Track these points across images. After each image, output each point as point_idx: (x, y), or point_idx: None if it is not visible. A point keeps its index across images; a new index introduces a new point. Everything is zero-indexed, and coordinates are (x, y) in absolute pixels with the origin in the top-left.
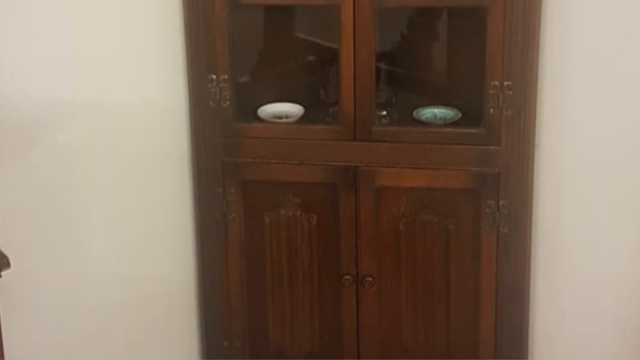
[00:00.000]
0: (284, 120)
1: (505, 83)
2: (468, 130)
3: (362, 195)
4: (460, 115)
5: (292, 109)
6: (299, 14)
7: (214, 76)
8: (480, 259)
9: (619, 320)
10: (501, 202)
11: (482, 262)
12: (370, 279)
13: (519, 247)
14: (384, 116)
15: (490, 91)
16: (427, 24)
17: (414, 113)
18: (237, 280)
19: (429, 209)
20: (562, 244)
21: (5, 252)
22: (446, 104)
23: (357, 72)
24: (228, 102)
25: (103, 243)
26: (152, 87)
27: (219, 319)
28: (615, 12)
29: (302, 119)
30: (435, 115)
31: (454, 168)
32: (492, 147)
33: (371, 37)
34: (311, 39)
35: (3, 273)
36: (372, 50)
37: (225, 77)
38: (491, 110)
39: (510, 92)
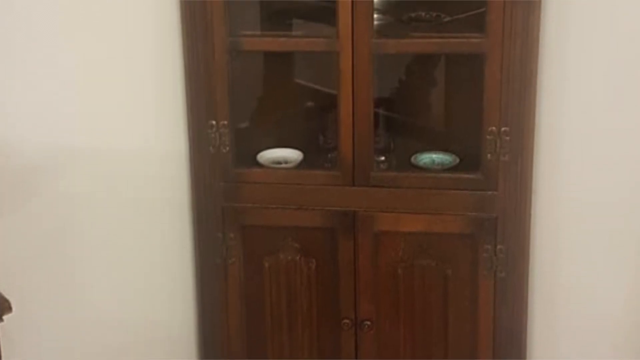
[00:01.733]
0: (283, 165)
1: (503, 129)
2: (466, 176)
3: (360, 240)
4: (458, 160)
5: (291, 155)
6: (298, 61)
7: (214, 122)
8: (478, 303)
9: None
10: (498, 246)
11: (479, 306)
12: (368, 322)
13: (516, 292)
14: (382, 161)
15: (488, 137)
16: (425, 70)
17: (412, 158)
18: (237, 324)
19: (427, 253)
20: (559, 288)
21: (7, 296)
22: (444, 149)
23: (355, 118)
24: (228, 148)
25: (104, 288)
26: (153, 133)
27: None
28: (612, 60)
29: (301, 165)
30: (433, 161)
31: (452, 213)
32: (490, 193)
33: (370, 83)
34: (310, 85)
35: (5, 317)
36: (370, 96)
37: (225, 123)
38: (489, 155)
39: (508, 138)
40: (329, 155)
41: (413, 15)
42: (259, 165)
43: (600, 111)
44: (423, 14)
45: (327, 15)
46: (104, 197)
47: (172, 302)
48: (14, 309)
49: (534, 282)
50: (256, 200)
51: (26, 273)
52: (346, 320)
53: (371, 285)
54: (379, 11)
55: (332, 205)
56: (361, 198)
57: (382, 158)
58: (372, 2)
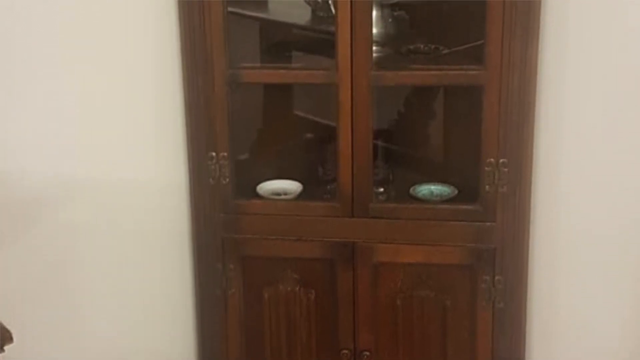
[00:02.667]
0: (282, 197)
1: (501, 160)
2: (464, 207)
3: (359, 271)
4: (456, 192)
5: (290, 186)
6: (298, 93)
7: (214, 154)
8: (477, 334)
9: None
10: (497, 277)
11: (478, 337)
12: (367, 353)
13: (514, 322)
14: (381, 193)
15: (486, 168)
16: (424, 102)
17: (411, 190)
18: (237, 355)
19: (426, 284)
20: (557, 318)
21: (8, 326)
22: (443, 181)
23: (354, 149)
24: (227, 179)
25: (104, 318)
26: (153, 164)
27: None
28: (609, 92)
29: (300, 196)
30: (432, 192)
31: (451, 244)
32: (488, 224)
33: (369, 115)
34: (309, 117)
35: (6, 348)
36: (369, 128)
37: (225, 154)
38: (487, 187)
39: (506, 169)
40: (328, 186)
41: (412, 47)
42: (258, 196)
43: (598, 143)
44: (422, 46)
45: (326, 47)
46: (104, 228)
47: (172, 332)
48: (15, 339)
49: (532, 313)
50: (256, 232)
51: (27, 303)
52: (345, 351)
53: (370, 316)
54: (378, 43)
55: (332, 237)
56: (360, 229)
57: (381, 189)
58: (371, 34)
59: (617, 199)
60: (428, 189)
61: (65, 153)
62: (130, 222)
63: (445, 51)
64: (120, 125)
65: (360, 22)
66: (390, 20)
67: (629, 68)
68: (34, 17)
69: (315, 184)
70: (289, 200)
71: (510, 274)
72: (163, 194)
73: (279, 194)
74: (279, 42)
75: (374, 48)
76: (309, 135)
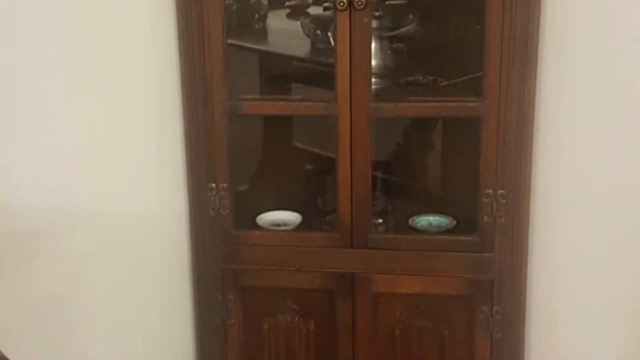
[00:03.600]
0: (282, 228)
1: (499, 191)
2: (462, 238)
3: (358, 302)
4: (454, 223)
5: (290, 217)
6: (297, 124)
7: (214, 185)
8: None
9: None
10: (495, 308)
11: None
12: None
13: (512, 353)
14: (380, 224)
15: (484, 199)
16: (423, 133)
17: (410, 221)
18: None
19: (425, 314)
20: (554, 349)
21: (9, 357)
22: (441, 212)
23: (353, 181)
24: (227, 210)
25: (105, 349)
26: (153, 195)
27: None
28: (607, 123)
29: (300, 227)
30: (431, 223)
31: (449, 275)
32: (486, 254)
33: (368, 146)
34: (309, 149)
35: None
36: (368, 159)
37: (225, 185)
38: (485, 218)
39: (504, 201)
40: (328, 217)
41: (410, 79)
42: (258, 227)
43: (595, 174)
44: (420, 78)
45: (325, 79)
46: (105, 259)
47: None
48: None
49: (530, 343)
50: (255, 262)
51: (28, 334)
52: None
53: (369, 346)
54: (377, 75)
55: (331, 267)
56: (359, 260)
57: (380, 220)
58: (370, 66)
59: (615, 231)
60: (427, 220)
61: (65, 184)
62: (130, 253)
63: (444, 83)
64: (120, 157)
65: (359, 54)
66: (389, 52)
67: (626, 100)
68: (35, 50)
69: (315, 215)
70: (288, 231)
71: (508, 304)
72: (163, 225)
73: (278, 225)
74: (278, 74)
75: (373, 80)
76: (308, 166)
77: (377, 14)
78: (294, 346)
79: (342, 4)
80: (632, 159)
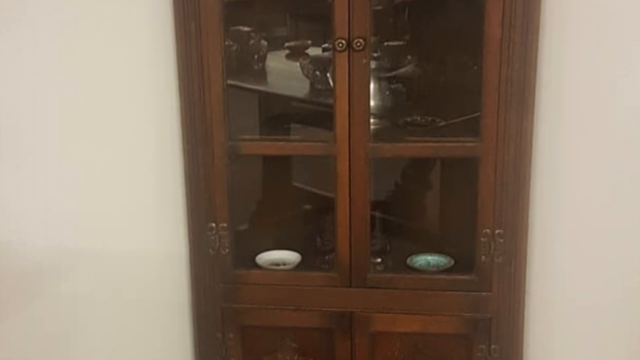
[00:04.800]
0: (281, 267)
1: (497, 231)
2: (460, 277)
3: (357, 340)
4: (452, 262)
5: (289, 257)
6: (296, 164)
7: (214, 224)
8: None
9: None
10: (493, 346)
11: None
12: None
13: None
14: (378, 263)
15: (482, 239)
16: (421, 174)
17: (408, 260)
18: None
19: (423, 353)
20: None
21: None
22: (439, 251)
23: (352, 220)
24: (227, 250)
25: None
26: (153, 235)
27: None
28: (604, 163)
29: (299, 266)
30: (429, 263)
31: (447, 314)
32: (484, 294)
33: (366, 186)
34: (308, 189)
35: None
36: (367, 199)
37: (225, 225)
38: (483, 257)
39: (502, 240)
40: (327, 257)
41: (409, 119)
42: (257, 266)
43: (592, 214)
44: (418, 118)
45: (324, 119)
46: (105, 299)
47: None
48: None
49: None
50: (255, 301)
51: None
52: None
53: None
54: (375, 116)
55: (330, 306)
56: (358, 299)
57: (379, 260)
58: (369, 107)
59: (612, 271)
60: (425, 259)
61: (66, 224)
62: (131, 292)
63: (442, 123)
64: (121, 197)
65: (358, 95)
66: (387, 92)
67: (623, 140)
68: (37, 93)
69: (314, 254)
70: (287, 270)
71: (505, 343)
72: (163, 264)
73: (277, 264)
74: (277, 115)
75: (372, 120)
76: (307, 206)
77: (375, 54)
78: None
79: (341, 45)
80: (629, 198)
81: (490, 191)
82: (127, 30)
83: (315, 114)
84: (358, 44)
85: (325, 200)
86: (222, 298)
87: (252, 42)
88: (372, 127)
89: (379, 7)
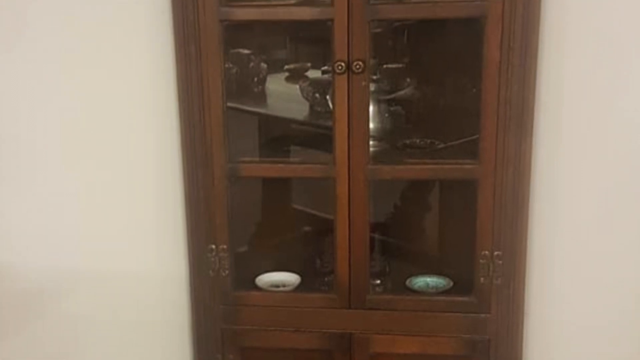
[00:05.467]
0: (281, 288)
1: (495, 253)
2: (459, 299)
3: None
4: (451, 284)
5: (289, 278)
6: (296, 186)
7: (214, 246)
8: None
9: None
10: None
11: None
12: None
13: None
14: (377, 285)
15: (481, 261)
16: (420, 195)
17: (407, 282)
18: None
19: None
20: None
21: None
22: (438, 273)
23: (352, 242)
24: (227, 272)
25: None
26: (154, 257)
27: None
28: (601, 186)
29: (298, 288)
30: (428, 284)
31: (446, 335)
32: (483, 315)
33: (366, 208)
34: (307, 210)
35: None
36: (366, 221)
37: (225, 247)
38: (482, 279)
39: (500, 262)
40: (326, 278)
41: (408, 142)
42: (257, 288)
43: (591, 236)
44: (418, 140)
45: (324, 142)
46: (106, 319)
47: None
48: None
49: None
50: (255, 323)
51: None
52: None
53: None
54: (375, 138)
55: (329, 328)
56: (357, 320)
57: (378, 281)
58: (368, 129)
59: (610, 292)
60: (424, 281)
61: (67, 245)
62: (131, 313)
63: (441, 146)
64: (121, 219)
65: (358, 117)
66: (386, 115)
67: (621, 163)
68: (36, 114)
69: (313, 276)
70: (287, 292)
71: None
72: (163, 285)
73: (277, 286)
74: (277, 137)
75: (371, 142)
76: (306, 228)
77: (374, 77)
78: None
79: (340, 67)
80: (627, 221)
81: (489, 213)
82: (128, 51)
83: (314, 136)
84: (357, 66)
85: (324, 222)
86: (222, 319)
87: (251, 64)
88: (371, 149)
89: (378, 30)
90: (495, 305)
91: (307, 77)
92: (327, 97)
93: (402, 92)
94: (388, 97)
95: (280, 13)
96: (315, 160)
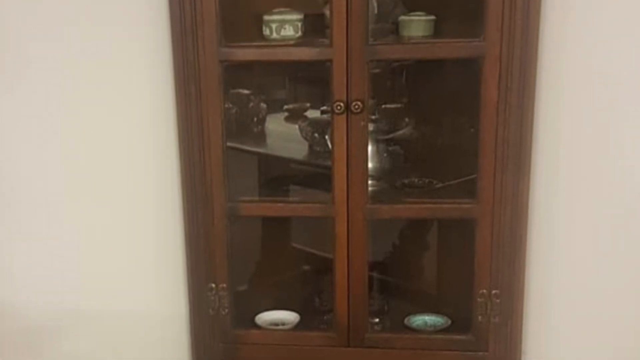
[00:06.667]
0: (280, 327)
1: (493, 291)
2: (457, 337)
3: None
4: (449, 322)
5: (288, 317)
6: (295, 225)
7: (213, 285)
8: None
9: None
10: None
11: None
12: None
13: None
14: (376, 323)
15: (479, 299)
16: (418, 234)
17: (405, 320)
18: None
19: None
20: None
21: None
22: (436, 311)
23: (350, 281)
24: (227, 310)
25: None
26: (154, 296)
27: None
28: (598, 225)
29: (298, 326)
30: (426, 323)
31: None
32: (481, 353)
33: (364, 247)
34: (307, 249)
35: None
36: (365, 260)
37: (224, 285)
38: (479, 317)
39: (498, 301)
40: (325, 317)
41: (406, 181)
42: (257, 326)
43: (588, 275)
44: (416, 180)
45: (323, 181)
46: (106, 358)
47: None
48: None
49: None
50: None
51: None
52: None
53: None
54: (373, 177)
55: None
56: (356, 359)
57: (377, 320)
58: (367, 169)
59: (607, 331)
60: (422, 320)
61: (68, 284)
62: (132, 352)
63: (439, 185)
64: (122, 257)
65: (356, 157)
66: (385, 155)
67: (617, 203)
68: (37, 155)
69: (312, 314)
70: (286, 330)
71: None
72: (164, 324)
73: (277, 324)
74: (277, 176)
75: (370, 182)
76: (306, 266)
77: (373, 117)
78: None
79: (339, 107)
80: (624, 260)
81: (487, 252)
82: (128, 91)
83: (313, 175)
84: (356, 106)
85: (323, 261)
86: (222, 358)
87: (251, 104)
88: (370, 188)
89: (377, 70)
90: (493, 344)
91: (306, 117)
92: (326, 136)
93: (400, 132)
94: (387, 136)
95: (280, 54)
96: (314, 200)
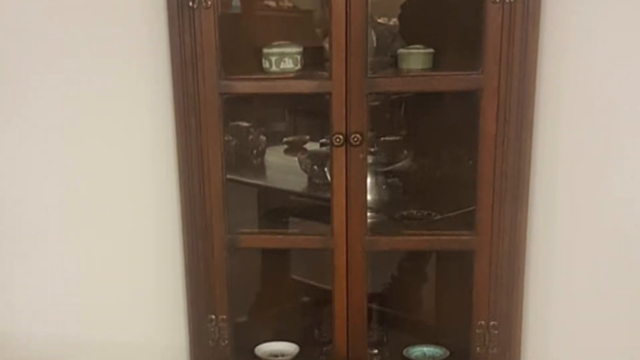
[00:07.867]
0: (279, 358)
1: (491, 323)
2: None
3: None
4: (448, 353)
5: (287, 348)
6: (294, 257)
7: (213, 316)
8: None
9: None
10: None
11: None
12: None
13: None
14: (375, 354)
15: (477, 330)
16: (417, 266)
17: (404, 351)
18: None
19: None
20: None
21: None
22: (435, 342)
23: (349, 312)
24: (227, 341)
25: None
26: (154, 327)
27: None
28: (596, 257)
29: (297, 358)
30: (425, 354)
31: None
32: None
33: (363, 279)
34: (306, 281)
35: None
36: (364, 291)
37: (224, 317)
38: (478, 349)
39: (496, 332)
40: (324, 348)
41: (405, 213)
42: (256, 358)
43: (586, 306)
44: (415, 212)
45: (322, 213)
46: None
47: None
48: None
49: None
50: None
51: None
52: None
53: None
54: (372, 209)
55: None
56: None
57: (376, 351)
58: (366, 201)
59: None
60: (421, 351)
61: (68, 316)
62: None
63: (438, 217)
64: (122, 289)
65: (355, 189)
66: (384, 187)
67: (616, 234)
68: (38, 185)
69: (312, 346)
70: None
71: None
72: (164, 355)
73: (276, 356)
74: (276, 208)
75: (369, 214)
76: (305, 298)
77: (372, 149)
78: None
79: (338, 140)
80: (622, 290)
81: (485, 283)
82: (128, 124)
83: (313, 207)
84: (355, 139)
85: (323, 293)
86: None
87: (251, 137)
88: (369, 220)
89: (376, 103)
90: None
91: (305, 149)
92: (325, 169)
93: (399, 164)
94: (385, 169)
95: (279, 86)
96: (313, 232)
